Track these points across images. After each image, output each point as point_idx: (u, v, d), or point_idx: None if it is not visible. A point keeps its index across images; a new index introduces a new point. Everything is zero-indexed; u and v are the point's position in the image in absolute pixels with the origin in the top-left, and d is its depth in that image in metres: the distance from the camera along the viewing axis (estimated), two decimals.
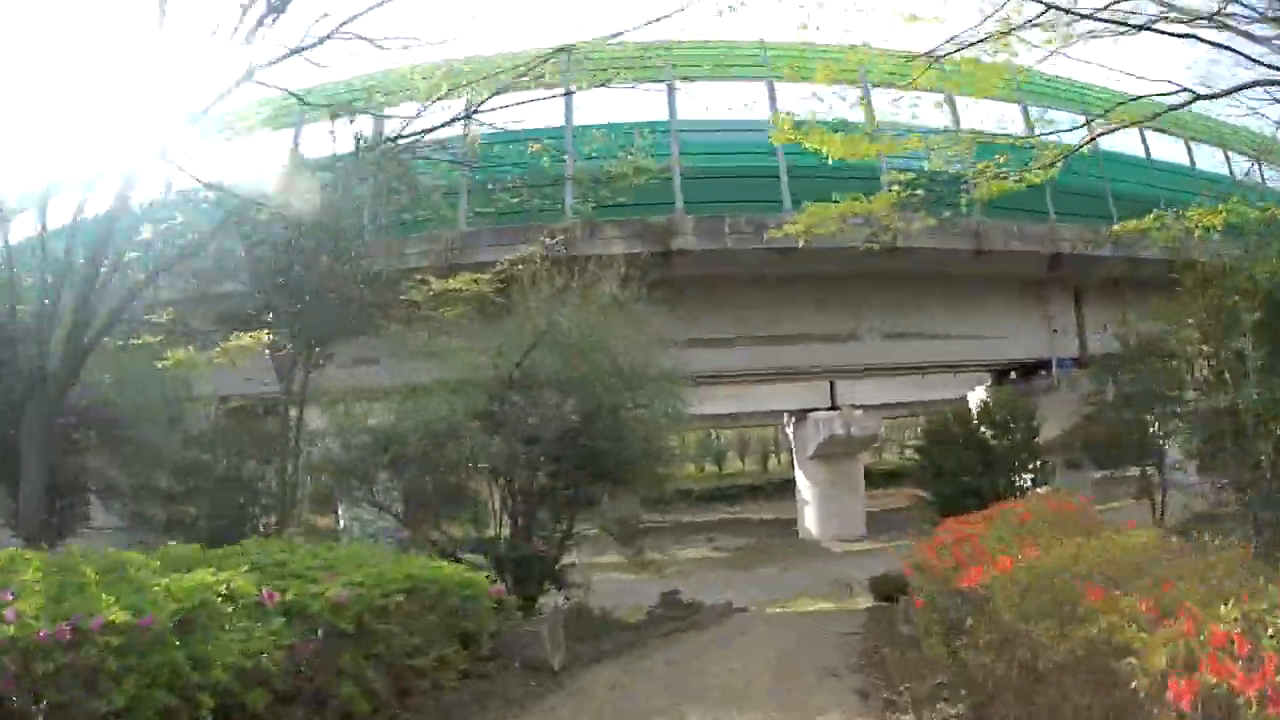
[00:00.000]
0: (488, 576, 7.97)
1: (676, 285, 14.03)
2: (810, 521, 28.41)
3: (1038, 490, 12.72)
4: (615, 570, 25.24)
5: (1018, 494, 12.16)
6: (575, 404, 10.34)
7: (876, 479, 40.72)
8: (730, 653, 10.30)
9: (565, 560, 12.07)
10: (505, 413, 10.44)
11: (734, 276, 16.18)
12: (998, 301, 17.75)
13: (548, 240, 13.54)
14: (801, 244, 11.58)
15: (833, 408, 28.23)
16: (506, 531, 11.35)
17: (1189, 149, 20.28)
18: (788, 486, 41.83)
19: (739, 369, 18.21)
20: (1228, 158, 19.92)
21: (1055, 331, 18.29)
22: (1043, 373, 18.56)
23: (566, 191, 15.75)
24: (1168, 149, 20.28)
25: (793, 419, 29.14)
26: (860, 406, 28.08)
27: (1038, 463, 13.69)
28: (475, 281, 12.44)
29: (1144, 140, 19.06)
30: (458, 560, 9.28)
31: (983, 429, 14.07)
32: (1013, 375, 19.63)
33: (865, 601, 16.93)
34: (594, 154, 14.98)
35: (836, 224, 10.84)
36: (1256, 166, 17.51)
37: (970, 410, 15.36)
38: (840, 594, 18.80)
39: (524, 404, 10.37)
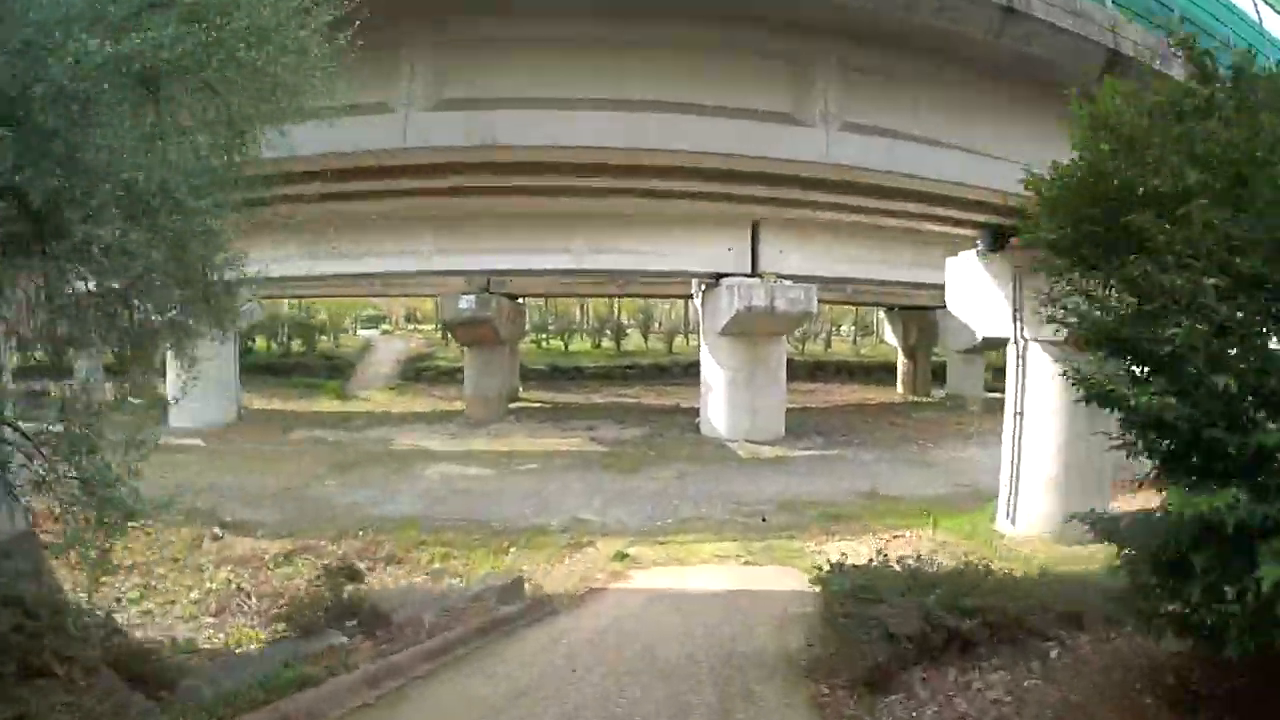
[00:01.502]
0: None
1: None
2: (716, 415, 22.69)
3: None
4: (451, 461, 19.19)
5: None
6: None
7: (798, 372, 35.54)
8: None
9: None
10: None
11: None
12: (1028, 111, 11.43)
13: None
14: None
15: (753, 274, 22.09)
16: None
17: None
18: (694, 371, 36.78)
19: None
20: None
21: None
22: None
23: None
24: None
25: (703, 287, 22.99)
26: (790, 277, 22.01)
27: None
28: None
29: None
30: None
31: None
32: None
33: (792, 551, 11.33)
34: None
35: None
36: None
37: None
38: (747, 528, 13.05)
39: None
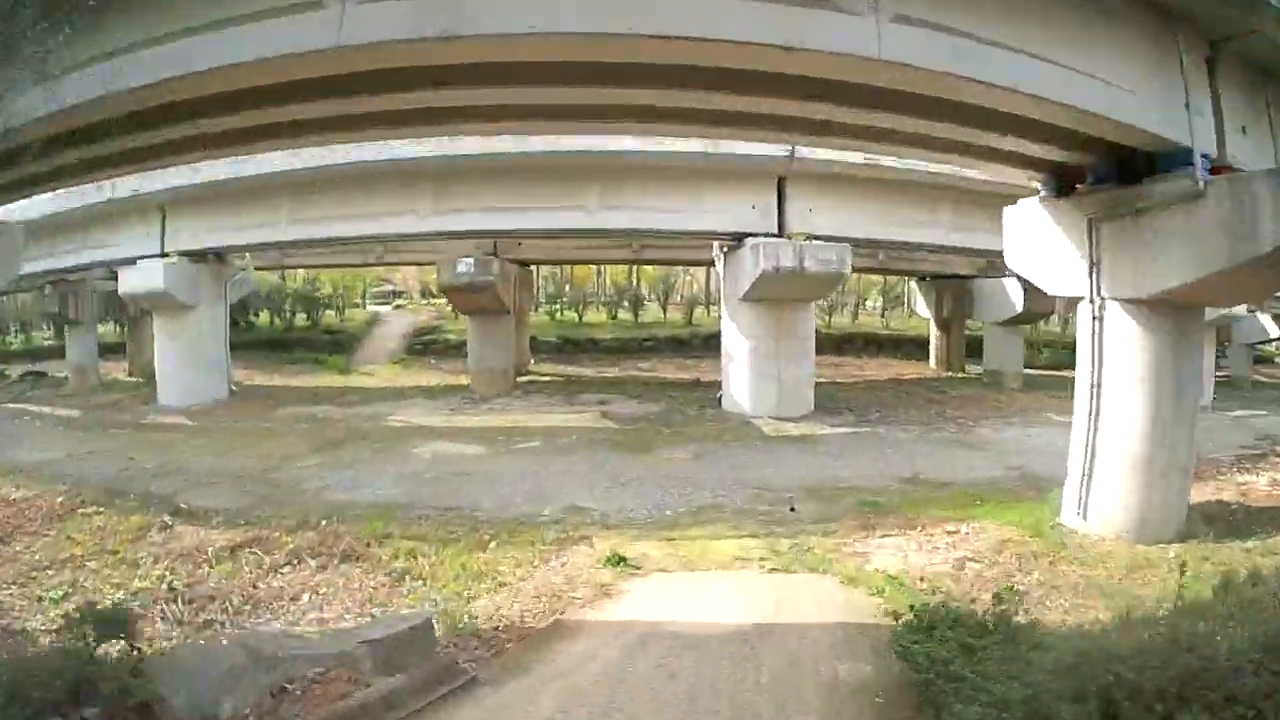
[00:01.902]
0: None
1: None
2: (738, 388, 20.86)
3: None
4: (446, 439, 17.63)
5: None
6: None
7: (825, 345, 33.50)
8: None
9: None
10: None
11: None
12: (1111, 35, 9.37)
13: None
14: None
15: (779, 235, 20.16)
16: None
17: None
18: (715, 344, 35.22)
19: None
20: None
21: (1188, 107, 10.11)
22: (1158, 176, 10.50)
23: None
24: None
25: (725, 249, 21.08)
26: (819, 238, 20.03)
27: None
28: None
29: None
30: None
31: None
32: (1091, 179, 11.64)
33: (827, 550, 9.53)
34: None
35: None
36: None
37: None
38: (772, 520, 11.30)
39: None
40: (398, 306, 53.37)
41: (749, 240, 19.91)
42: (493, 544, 9.66)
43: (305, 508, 11.53)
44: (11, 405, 24.62)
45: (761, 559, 9.30)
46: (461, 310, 27.31)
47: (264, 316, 42.71)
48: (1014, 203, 12.66)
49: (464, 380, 26.37)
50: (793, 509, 11.66)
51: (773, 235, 20.01)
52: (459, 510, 11.35)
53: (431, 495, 12.39)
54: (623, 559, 9.02)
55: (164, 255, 22.66)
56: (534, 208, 20.14)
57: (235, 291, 26.37)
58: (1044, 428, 19.77)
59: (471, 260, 21.80)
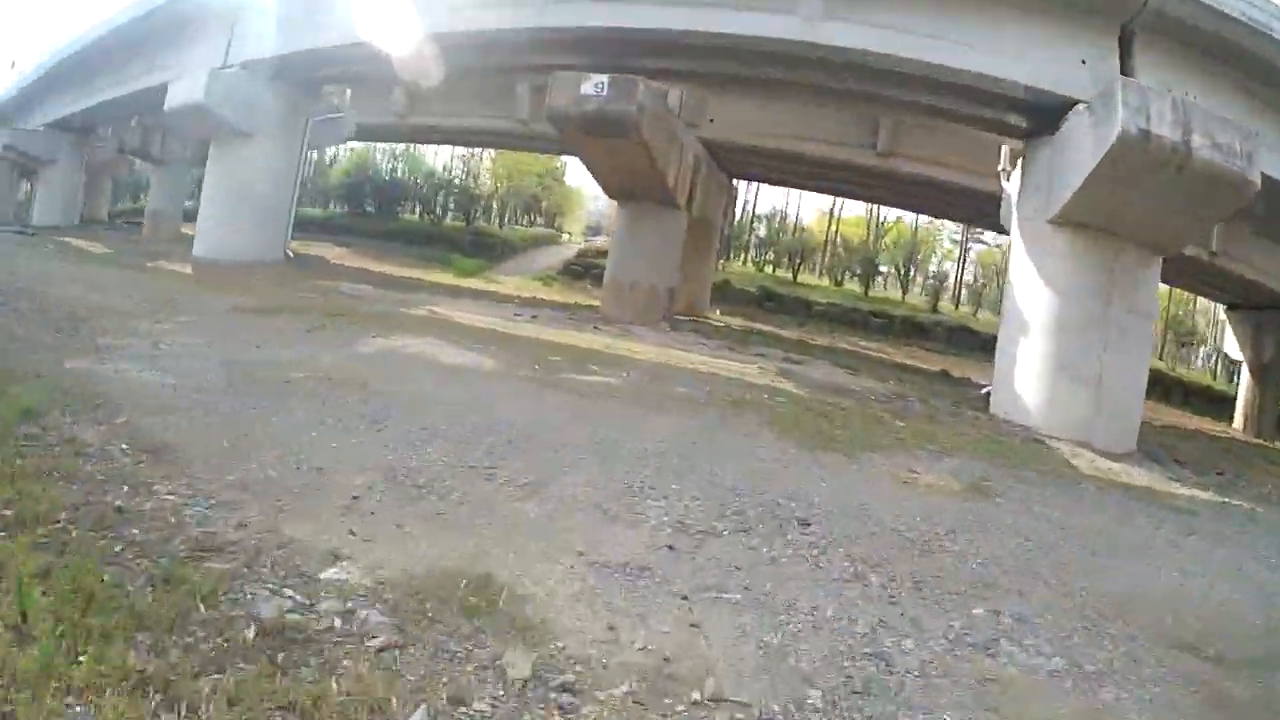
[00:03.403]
0: None
1: None
2: (1025, 383, 11.69)
3: None
4: (460, 345, 10.35)
5: None
6: None
7: None
8: None
9: None
10: None
11: None
12: None
13: None
14: None
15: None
16: None
17: None
18: (961, 339, 25.88)
19: None
20: None
21: None
22: None
23: None
24: None
25: (1025, 144, 12.35)
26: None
27: None
28: None
29: None
30: None
31: None
32: None
33: None
34: None
35: None
36: None
37: None
38: None
39: None
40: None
41: (1079, 108, 10.94)
42: None
43: None
44: (61, 238, 21.27)
45: None
46: (590, 167, 16.93)
47: (413, 214, 38.11)
48: None
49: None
50: None
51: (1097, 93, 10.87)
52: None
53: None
54: None
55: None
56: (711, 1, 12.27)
57: (325, 136, 20.50)
58: None
59: (604, 79, 13.57)
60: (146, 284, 13.59)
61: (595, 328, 14.27)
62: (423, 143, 36.38)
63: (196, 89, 16.66)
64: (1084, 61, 11.46)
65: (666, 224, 17.19)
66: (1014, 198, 13.17)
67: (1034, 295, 11.85)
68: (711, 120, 18.22)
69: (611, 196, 17.84)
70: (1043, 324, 11.64)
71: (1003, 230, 16.31)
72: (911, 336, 28.51)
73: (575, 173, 43.89)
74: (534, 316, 14.65)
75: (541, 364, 9.82)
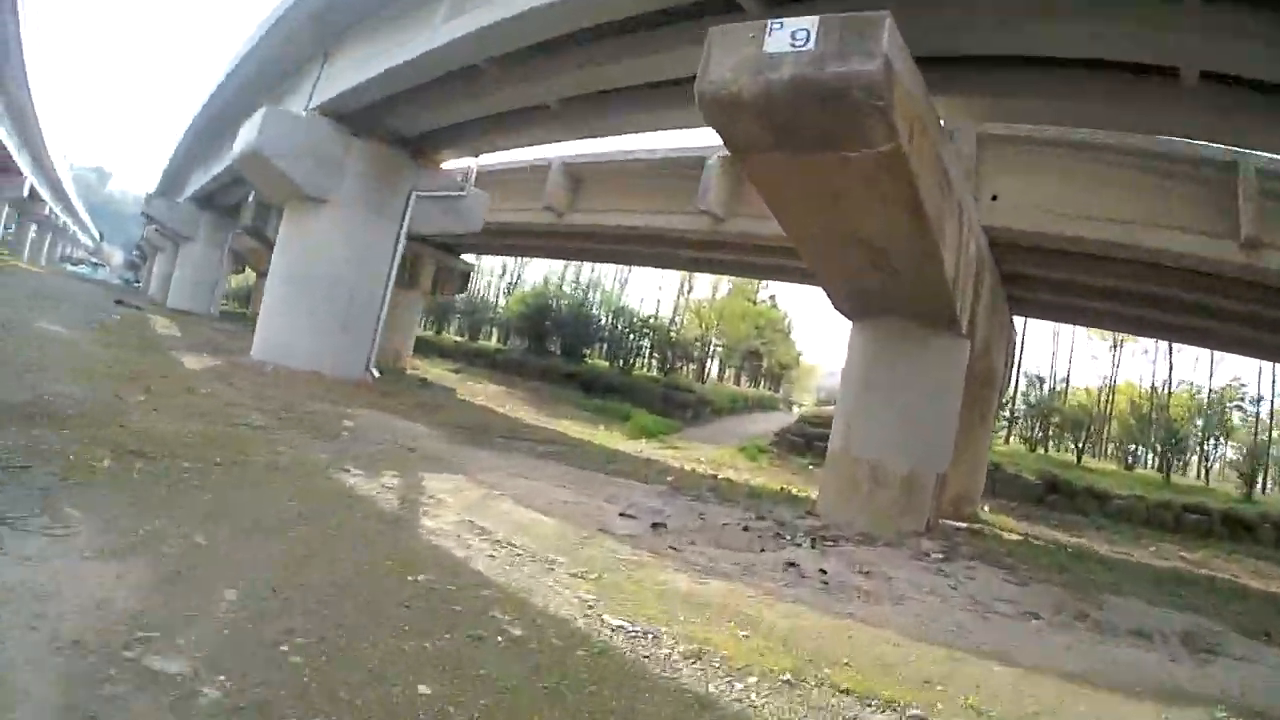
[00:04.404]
0: None
1: None
2: None
3: None
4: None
5: None
6: None
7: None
8: None
9: None
10: None
11: None
12: None
13: None
14: None
15: None
16: None
17: None
18: None
19: None
20: None
21: None
22: None
23: None
24: None
25: None
26: None
27: None
28: None
29: None
30: None
31: None
32: None
33: None
34: None
35: None
36: None
37: None
38: None
39: None
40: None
41: None
42: None
43: None
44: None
45: None
46: (794, 234, 9.23)
47: (600, 358, 33.13)
48: None
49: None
50: None
51: None
52: None
53: None
54: None
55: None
56: None
57: (439, 222, 14.92)
58: None
59: (810, 22, 6.42)
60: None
61: (793, 563, 6.71)
62: (575, 258, 31.73)
63: (252, 130, 12.39)
64: None
65: (937, 358, 9.98)
66: None
67: None
68: (994, 198, 11.21)
69: (838, 305, 10.63)
70: None
71: None
72: (1239, 540, 18.98)
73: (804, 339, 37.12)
74: (660, 524, 7.41)
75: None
